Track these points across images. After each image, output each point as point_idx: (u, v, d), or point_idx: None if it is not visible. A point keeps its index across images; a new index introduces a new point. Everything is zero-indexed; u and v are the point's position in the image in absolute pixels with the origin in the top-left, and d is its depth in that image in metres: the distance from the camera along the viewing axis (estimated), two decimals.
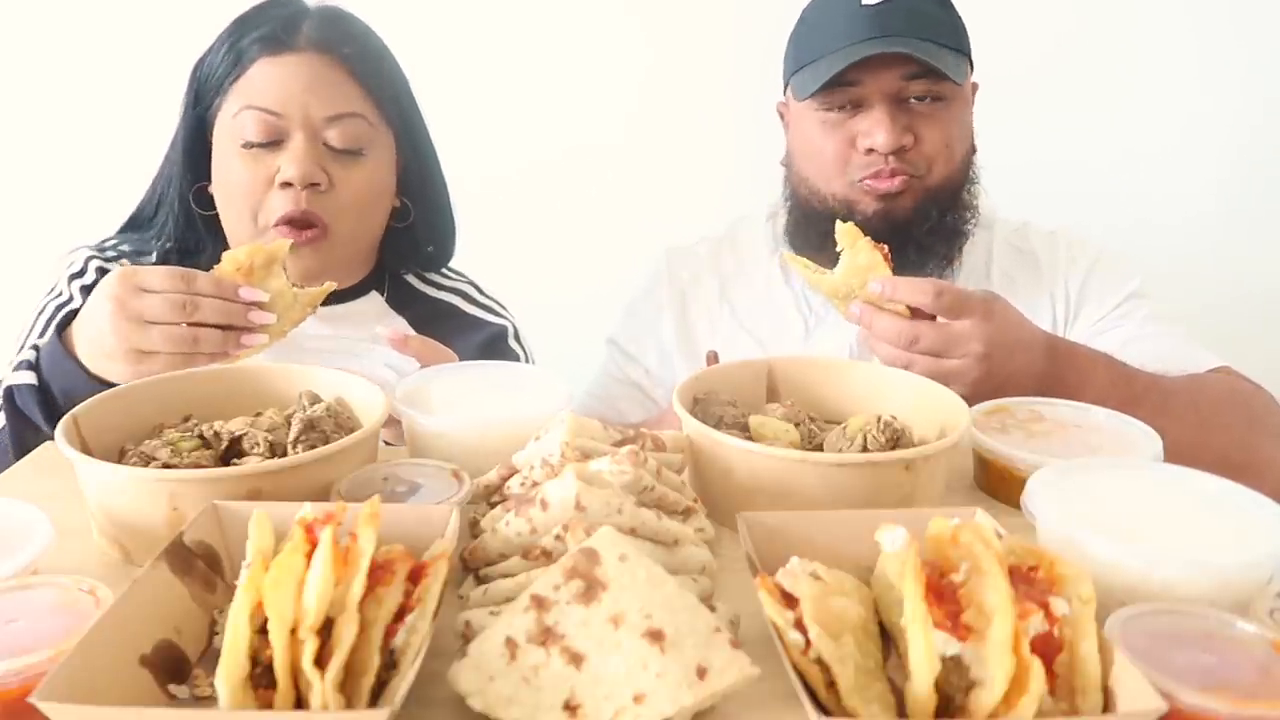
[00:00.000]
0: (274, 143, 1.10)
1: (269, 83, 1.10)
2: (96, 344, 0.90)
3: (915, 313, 0.96)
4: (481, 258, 1.38)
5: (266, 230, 1.11)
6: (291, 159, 1.08)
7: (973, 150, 1.27)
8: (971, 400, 0.94)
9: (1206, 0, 1.95)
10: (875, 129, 1.15)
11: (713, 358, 1.08)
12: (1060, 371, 1.00)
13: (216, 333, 0.88)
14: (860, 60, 1.12)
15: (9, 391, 0.97)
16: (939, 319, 0.96)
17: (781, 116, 1.32)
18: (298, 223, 1.10)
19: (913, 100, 1.17)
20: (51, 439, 0.78)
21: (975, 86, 1.28)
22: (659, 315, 1.38)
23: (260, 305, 0.90)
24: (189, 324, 0.86)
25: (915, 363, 0.95)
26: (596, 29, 1.98)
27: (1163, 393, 1.04)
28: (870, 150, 1.16)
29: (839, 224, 1.00)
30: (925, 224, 1.07)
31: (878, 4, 1.14)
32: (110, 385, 0.89)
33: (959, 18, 1.23)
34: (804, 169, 1.25)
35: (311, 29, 1.12)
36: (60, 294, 1.18)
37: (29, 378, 0.96)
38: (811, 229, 1.25)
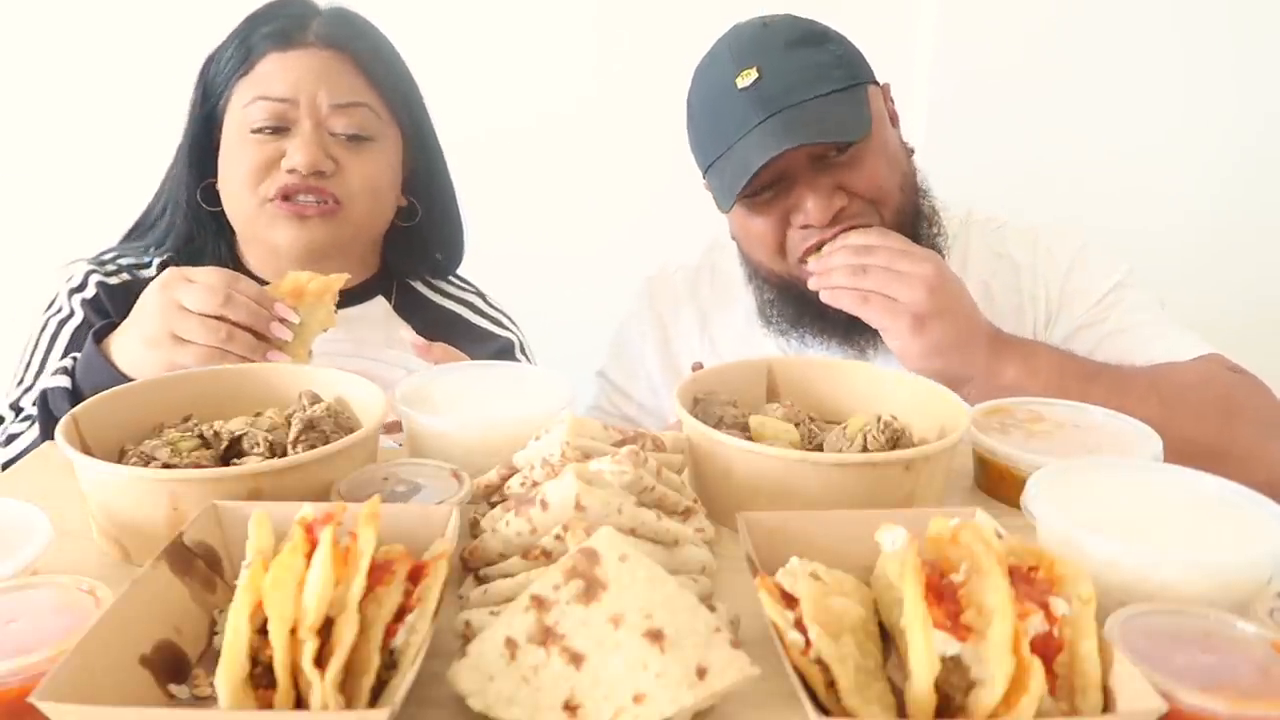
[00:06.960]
0: (282, 129, 1.11)
1: (279, 73, 1.12)
2: (139, 327, 0.92)
3: None
4: (480, 258, 1.38)
5: (266, 204, 1.12)
6: (299, 146, 1.10)
7: (909, 156, 1.21)
8: (916, 357, 0.96)
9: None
10: (803, 204, 1.10)
11: (698, 369, 1.08)
12: (1007, 352, 1.01)
13: (249, 336, 0.92)
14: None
15: (43, 395, 0.98)
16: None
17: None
18: (296, 189, 1.10)
19: (831, 155, 1.11)
20: None
21: (887, 87, 1.21)
22: (643, 347, 1.36)
23: (288, 324, 0.94)
24: (225, 320, 0.90)
25: (869, 270, 0.96)
26: (592, 29, 1.98)
27: (1119, 375, 1.03)
28: (807, 225, 1.12)
29: None
30: None
31: (751, 84, 1.09)
32: None
33: (840, 44, 1.16)
34: (751, 253, 1.22)
35: (321, 26, 1.15)
36: (60, 309, 1.17)
37: (63, 381, 0.97)
38: (788, 307, 1.21)
